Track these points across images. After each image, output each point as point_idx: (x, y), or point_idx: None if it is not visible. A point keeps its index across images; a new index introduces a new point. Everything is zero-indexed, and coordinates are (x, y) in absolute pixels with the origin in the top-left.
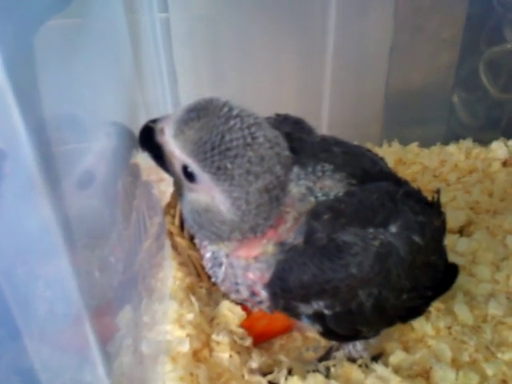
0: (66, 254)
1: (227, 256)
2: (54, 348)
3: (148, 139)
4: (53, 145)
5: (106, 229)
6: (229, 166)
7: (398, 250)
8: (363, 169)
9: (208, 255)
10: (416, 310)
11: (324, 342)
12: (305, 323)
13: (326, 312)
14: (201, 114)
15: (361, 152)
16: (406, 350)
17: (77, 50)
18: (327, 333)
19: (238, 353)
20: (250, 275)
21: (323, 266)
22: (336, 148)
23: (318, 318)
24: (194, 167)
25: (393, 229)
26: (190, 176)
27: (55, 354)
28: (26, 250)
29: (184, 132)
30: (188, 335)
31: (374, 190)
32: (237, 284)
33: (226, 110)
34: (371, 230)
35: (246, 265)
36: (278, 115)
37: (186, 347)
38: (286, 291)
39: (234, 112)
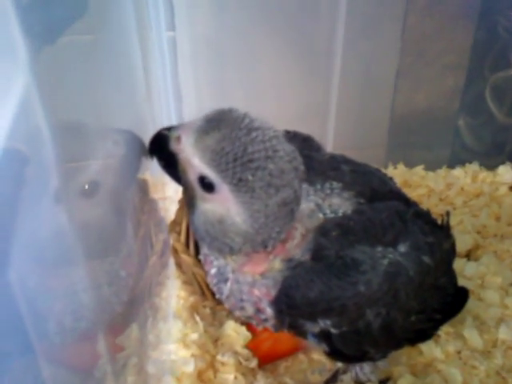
0: (79, 266)
1: (233, 272)
2: (60, 364)
3: (160, 147)
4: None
5: (117, 241)
6: (250, 177)
7: (407, 270)
8: (372, 188)
9: (213, 271)
10: (424, 332)
11: (330, 365)
12: (311, 342)
13: (333, 331)
14: (222, 124)
15: (370, 171)
16: (415, 374)
17: (92, 64)
18: (333, 353)
19: (243, 374)
20: (256, 292)
21: (331, 284)
22: (345, 166)
23: (324, 336)
24: (213, 177)
25: (402, 248)
26: (206, 186)
27: (61, 370)
28: (40, 260)
29: (204, 141)
30: (193, 355)
31: (384, 208)
32: (242, 301)
33: (247, 121)
34: (380, 248)
35: (253, 281)
36: (287, 132)
37: (190, 367)
38: (292, 308)
39: (256, 124)
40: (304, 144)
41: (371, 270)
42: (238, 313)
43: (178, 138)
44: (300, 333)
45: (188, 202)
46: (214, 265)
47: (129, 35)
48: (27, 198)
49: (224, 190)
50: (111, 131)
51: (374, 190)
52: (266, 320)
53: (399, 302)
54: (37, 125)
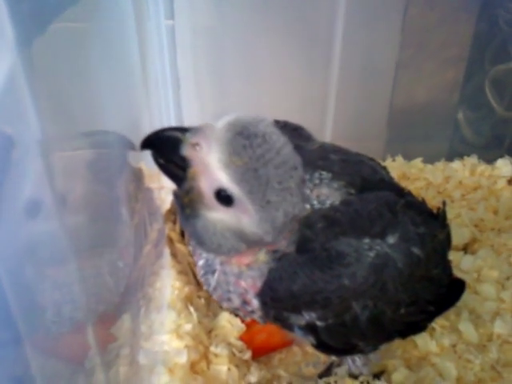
0: (73, 256)
1: (221, 263)
2: (52, 354)
3: (168, 147)
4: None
5: (111, 234)
6: (276, 199)
7: (396, 262)
8: (363, 177)
9: (201, 262)
10: (417, 325)
11: (324, 358)
12: (297, 335)
13: (319, 323)
14: (253, 142)
15: (360, 160)
16: (410, 367)
17: (86, 53)
18: (320, 345)
19: (237, 366)
20: (242, 283)
21: (314, 276)
22: (334, 155)
23: (310, 329)
24: (238, 195)
25: (390, 240)
26: (223, 199)
27: (52, 360)
28: (35, 248)
29: (236, 161)
30: (186, 346)
31: (373, 199)
32: (229, 292)
33: (274, 138)
34: (367, 240)
35: (239, 272)
36: (277, 122)
37: (183, 358)
38: (275, 301)
39: (281, 139)
40: (293, 133)
41: (356, 262)
42: (225, 304)
43: (195, 145)
44: (286, 325)
45: (186, 206)
46: (202, 256)
47: (125, 23)
48: (12, 183)
49: (245, 207)
50: (70, 139)
51: (365, 180)
52: (252, 312)
53: (387, 295)
54: (24, 108)
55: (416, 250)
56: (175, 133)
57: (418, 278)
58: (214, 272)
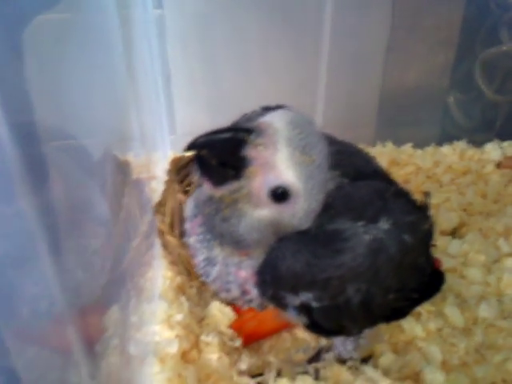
0: (47, 253)
1: (223, 257)
2: (39, 347)
3: (227, 148)
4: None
5: (91, 229)
6: (321, 193)
7: (389, 248)
8: (356, 168)
9: (202, 257)
10: (401, 311)
11: (314, 344)
12: (291, 315)
13: (314, 304)
14: (315, 140)
15: (355, 151)
16: (396, 352)
17: (66, 46)
18: (312, 326)
19: (227, 354)
20: (243, 273)
21: (316, 254)
22: (330, 147)
23: (304, 310)
24: (300, 192)
25: (384, 226)
26: (278, 196)
27: (40, 353)
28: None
29: (305, 159)
30: (177, 336)
31: (364, 186)
32: (228, 283)
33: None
34: (362, 223)
35: (239, 261)
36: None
37: (174, 348)
38: (276, 279)
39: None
40: None
41: (355, 242)
42: (223, 294)
43: (259, 145)
44: (281, 305)
45: (226, 207)
46: (203, 252)
47: (108, 13)
48: None
49: (296, 201)
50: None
51: (358, 171)
52: (250, 301)
53: (379, 280)
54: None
55: (407, 238)
56: (239, 134)
57: (407, 265)
58: (215, 264)
